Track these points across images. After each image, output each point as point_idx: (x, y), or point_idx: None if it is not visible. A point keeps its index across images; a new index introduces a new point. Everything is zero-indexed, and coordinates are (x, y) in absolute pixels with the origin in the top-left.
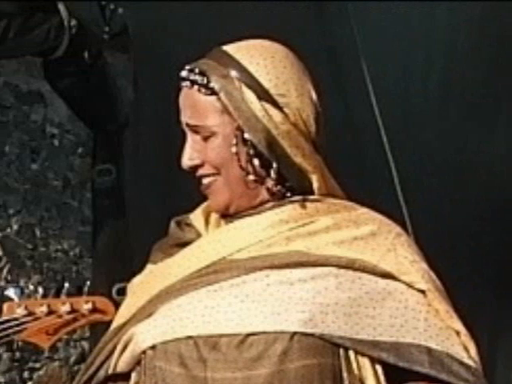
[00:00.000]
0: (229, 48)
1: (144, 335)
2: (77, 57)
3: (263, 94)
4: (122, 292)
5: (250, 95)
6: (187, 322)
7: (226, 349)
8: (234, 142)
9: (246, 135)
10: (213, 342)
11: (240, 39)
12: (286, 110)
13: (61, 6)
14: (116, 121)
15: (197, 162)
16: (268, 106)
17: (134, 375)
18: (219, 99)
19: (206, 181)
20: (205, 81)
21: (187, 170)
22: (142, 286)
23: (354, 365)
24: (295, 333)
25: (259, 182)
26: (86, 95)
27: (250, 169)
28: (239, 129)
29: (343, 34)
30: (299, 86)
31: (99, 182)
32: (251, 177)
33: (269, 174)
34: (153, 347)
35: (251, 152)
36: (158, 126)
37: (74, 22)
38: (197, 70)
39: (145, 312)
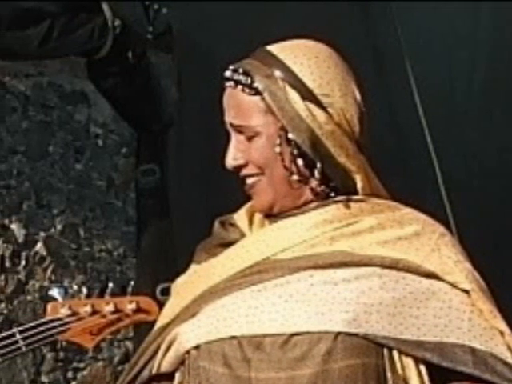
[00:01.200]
0: (273, 48)
1: (188, 335)
2: (121, 57)
3: (307, 94)
4: (166, 292)
5: (293, 95)
6: (231, 321)
7: (270, 349)
8: (278, 141)
9: (290, 135)
10: (257, 342)
11: (284, 39)
12: (329, 109)
13: (105, 6)
14: (160, 121)
15: (241, 161)
16: (312, 105)
17: (177, 375)
18: (263, 99)
19: (249, 181)
20: (249, 81)
21: (231, 169)
22: (185, 286)
23: (398, 365)
24: (339, 333)
25: (303, 181)
26: (130, 95)
27: (294, 169)
28: (283, 129)
29: (387, 34)
30: (343, 85)
31: (143, 182)
32: (295, 177)
33: (313, 174)
34: (197, 347)
35: (295, 152)
36: (202, 126)
37: (117, 22)
38: (241, 70)
39: (189, 312)
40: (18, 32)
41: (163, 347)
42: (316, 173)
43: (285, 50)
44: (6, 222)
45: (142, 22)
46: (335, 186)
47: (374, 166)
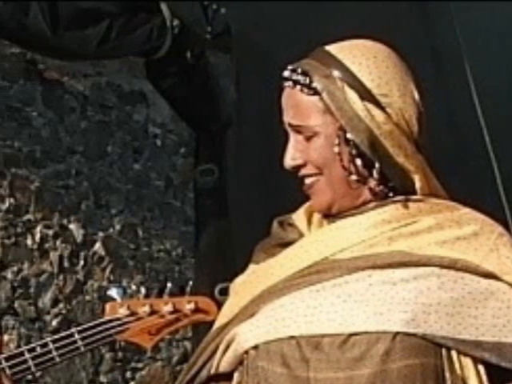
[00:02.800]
0: (331, 48)
1: (246, 335)
2: (179, 57)
3: (365, 94)
4: (225, 292)
5: (352, 95)
6: (290, 321)
7: (329, 349)
8: (337, 141)
9: (349, 135)
10: (315, 342)
11: (342, 39)
12: (388, 109)
13: (163, 6)
14: (219, 121)
15: (299, 161)
16: (370, 105)
17: (236, 375)
18: (322, 99)
19: (308, 181)
20: (307, 81)
21: (290, 169)
22: (244, 286)
23: (457, 365)
24: (398, 333)
25: (361, 181)
26: (189, 95)
27: (353, 169)
28: (341, 129)
29: (446, 34)
30: (402, 85)
31: (202, 182)
32: (354, 177)
33: (371, 174)
34: (255, 347)
35: (353, 152)
36: (261, 126)
37: (176, 22)
38: (299, 70)
39: (247, 312)
40: (76, 32)
41: (222, 347)
42: (374, 173)
43: (343, 50)
44: (65, 222)
45: (201, 21)
46: (394, 186)
47: (432, 166)
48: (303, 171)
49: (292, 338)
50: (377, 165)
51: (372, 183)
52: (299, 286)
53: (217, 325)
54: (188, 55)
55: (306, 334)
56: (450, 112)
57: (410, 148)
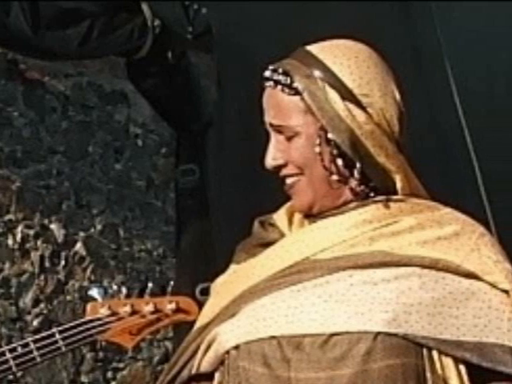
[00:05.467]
0: (312, 48)
1: (227, 335)
2: (160, 57)
3: (347, 94)
4: (206, 292)
5: (333, 95)
6: (271, 322)
7: (310, 349)
8: (318, 142)
9: (330, 135)
10: (296, 342)
11: (324, 39)
12: (369, 109)
13: (144, 6)
14: (200, 121)
15: (280, 161)
16: (351, 105)
17: (217, 375)
18: (303, 99)
19: (289, 181)
20: (288, 81)
21: (271, 169)
22: (225, 286)
23: (438, 365)
24: (379, 333)
25: (343, 181)
26: (170, 95)
27: (334, 169)
28: (323, 129)
29: (427, 34)
30: (383, 85)
31: (183, 182)
32: (335, 177)
33: (352, 174)
34: (236, 347)
35: (335, 152)
36: (242, 126)
37: (157, 22)
38: (280, 70)
39: (228, 312)
40: (57, 32)
41: (203, 347)
42: (355, 173)
43: (324, 50)
44: (46, 222)
45: (182, 22)
46: (375, 186)
47: (413, 166)
48: (284, 171)
49: (273, 338)
50: (358, 165)
51: (353, 183)
52: (280, 286)
53: (198, 325)
54: (169, 55)
55: (287, 334)
56: (431, 112)
57: (391, 148)
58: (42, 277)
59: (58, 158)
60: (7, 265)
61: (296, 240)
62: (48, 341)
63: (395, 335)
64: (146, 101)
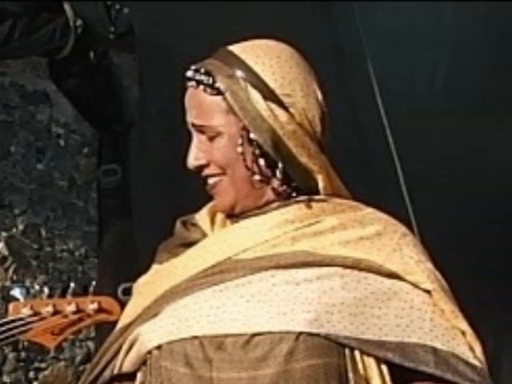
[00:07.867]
0: (234, 48)
1: (150, 335)
2: (82, 57)
3: (269, 94)
4: (128, 292)
5: (255, 95)
6: (193, 322)
7: (232, 349)
8: (240, 142)
9: (252, 135)
10: (218, 342)
11: (246, 39)
12: (291, 109)
13: (66, 6)
14: (122, 121)
15: (202, 161)
16: (274, 105)
17: (139, 375)
18: (225, 99)
19: (211, 181)
20: (210, 81)
21: (193, 169)
22: (147, 286)
23: (360, 365)
24: (301, 333)
25: (265, 181)
26: (92, 95)
27: (256, 169)
28: (245, 129)
29: (349, 34)
30: (305, 85)
31: (105, 182)
32: (257, 177)
33: (274, 174)
34: (158, 347)
35: (257, 152)
36: (164, 126)
37: (79, 22)
38: (202, 70)
39: (150, 312)
40: None
41: (125, 347)
42: (278, 173)
43: (246, 50)
44: None
45: (104, 22)
46: (297, 186)
47: (335, 166)
48: (206, 171)
49: (195, 337)
50: (280, 165)
51: (275, 183)
52: (202, 286)
53: (120, 325)
54: (91, 55)
55: (209, 334)
56: (353, 112)
57: (313, 148)
58: None
59: None
60: None
61: (218, 240)
62: None
63: (317, 335)
64: (68, 101)
